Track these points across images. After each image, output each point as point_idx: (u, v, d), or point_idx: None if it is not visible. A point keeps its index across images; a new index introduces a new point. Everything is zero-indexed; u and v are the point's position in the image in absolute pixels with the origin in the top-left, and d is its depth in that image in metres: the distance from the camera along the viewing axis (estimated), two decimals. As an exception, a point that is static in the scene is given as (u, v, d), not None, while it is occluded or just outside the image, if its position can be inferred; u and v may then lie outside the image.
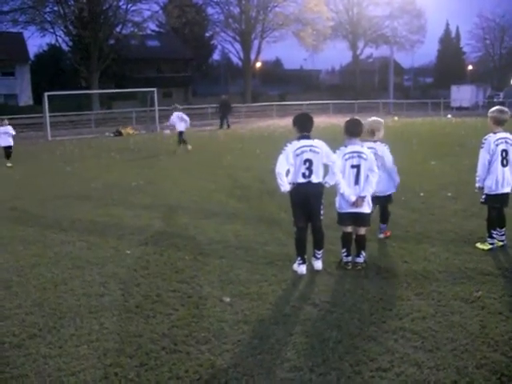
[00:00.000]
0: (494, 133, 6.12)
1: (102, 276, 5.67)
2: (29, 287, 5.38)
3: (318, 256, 5.65)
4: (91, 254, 6.51)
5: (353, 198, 5.50)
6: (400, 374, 3.56)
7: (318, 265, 5.62)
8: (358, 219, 5.63)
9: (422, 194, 9.48)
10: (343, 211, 5.63)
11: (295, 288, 5.20)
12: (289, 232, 6.08)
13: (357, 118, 5.84)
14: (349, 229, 5.71)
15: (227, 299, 4.89)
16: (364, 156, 5.53)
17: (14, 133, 16.79)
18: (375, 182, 5.63)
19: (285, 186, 5.42)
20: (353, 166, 5.51)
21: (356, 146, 5.59)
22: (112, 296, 5.09)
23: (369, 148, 5.89)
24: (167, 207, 9.19)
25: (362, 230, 5.72)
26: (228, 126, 30.27)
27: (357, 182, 5.53)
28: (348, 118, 5.81)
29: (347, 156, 5.52)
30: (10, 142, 16.62)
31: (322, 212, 5.57)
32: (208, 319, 4.51)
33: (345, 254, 5.73)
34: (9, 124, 16.92)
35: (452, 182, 10.67)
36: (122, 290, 5.23)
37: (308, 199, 5.46)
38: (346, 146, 5.61)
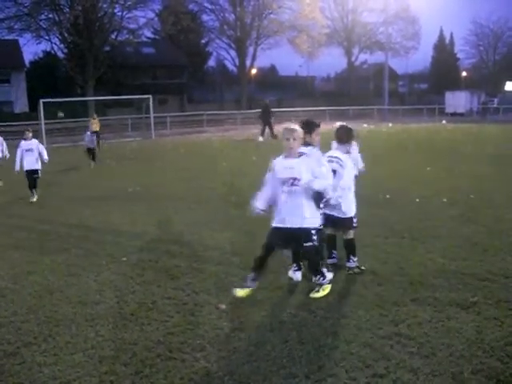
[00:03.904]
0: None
1: (97, 283, 5.65)
2: (24, 295, 5.36)
3: None
4: (87, 261, 6.49)
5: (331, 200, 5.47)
6: (396, 380, 3.55)
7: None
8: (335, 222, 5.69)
9: (417, 200, 9.49)
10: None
11: (291, 295, 5.20)
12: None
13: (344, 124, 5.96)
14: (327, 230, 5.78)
15: (223, 306, 4.88)
16: (341, 162, 5.57)
17: (42, 151, 11.48)
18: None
19: None
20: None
21: (335, 151, 5.71)
22: (107, 303, 5.07)
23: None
24: (163, 214, 9.17)
25: (348, 234, 5.75)
26: (272, 134, 25.58)
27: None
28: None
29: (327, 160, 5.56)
30: (36, 164, 11.28)
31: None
32: (203, 326, 4.49)
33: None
34: (33, 138, 11.72)
35: (447, 188, 10.70)
36: (117, 298, 5.21)
37: None
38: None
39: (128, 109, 41.13)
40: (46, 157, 11.50)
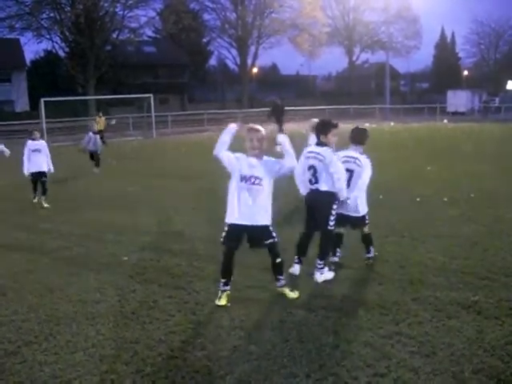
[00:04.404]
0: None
1: (98, 282, 5.65)
2: (25, 293, 5.36)
3: (319, 266, 5.49)
4: (88, 259, 6.49)
5: (348, 201, 5.55)
6: (397, 379, 3.55)
7: (317, 277, 5.48)
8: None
9: (418, 199, 9.49)
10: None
11: (292, 293, 5.19)
12: (286, 238, 6.02)
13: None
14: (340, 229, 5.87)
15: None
16: (358, 162, 5.67)
17: (48, 153, 10.53)
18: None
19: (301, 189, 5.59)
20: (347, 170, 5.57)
21: (350, 151, 5.78)
22: (108, 302, 5.07)
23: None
24: (164, 213, 9.18)
25: (364, 230, 5.94)
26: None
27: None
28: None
29: (343, 160, 5.60)
30: (44, 166, 10.39)
31: (331, 223, 5.41)
32: (204, 325, 4.50)
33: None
34: (41, 137, 10.93)
35: (448, 187, 10.70)
36: (118, 296, 5.21)
37: (314, 206, 5.44)
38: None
39: (129, 108, 41.15)
40: (48, 152, 10.53)
